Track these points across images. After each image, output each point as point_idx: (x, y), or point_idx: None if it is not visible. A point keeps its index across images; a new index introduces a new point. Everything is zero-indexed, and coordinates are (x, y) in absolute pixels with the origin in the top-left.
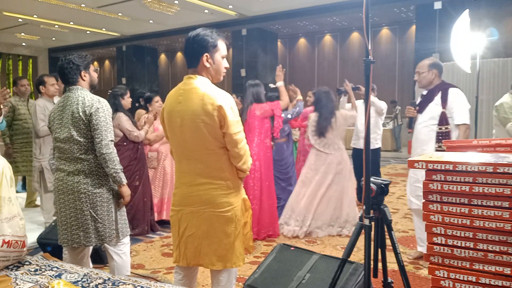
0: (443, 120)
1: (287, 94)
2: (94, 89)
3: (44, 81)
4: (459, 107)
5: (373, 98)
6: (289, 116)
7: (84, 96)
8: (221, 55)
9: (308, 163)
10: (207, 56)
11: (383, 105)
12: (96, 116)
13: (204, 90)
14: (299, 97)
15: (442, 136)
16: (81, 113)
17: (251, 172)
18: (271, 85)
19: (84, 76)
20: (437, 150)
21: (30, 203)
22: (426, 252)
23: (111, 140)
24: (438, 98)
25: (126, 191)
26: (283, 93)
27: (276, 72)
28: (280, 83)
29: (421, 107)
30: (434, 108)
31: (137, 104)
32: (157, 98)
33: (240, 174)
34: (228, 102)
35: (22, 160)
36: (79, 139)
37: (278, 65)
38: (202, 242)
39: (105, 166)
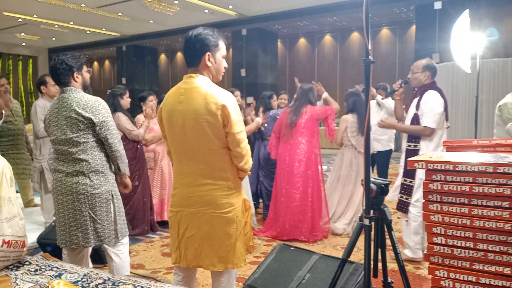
0: (414, 121)
1: (334, 101)
2: (86, 89)
3: (46, 81)
4: (427, 110)
5: (382, 100)
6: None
7: (80, 97)
8: (222, 54)
9: (345, 163)
10: (209, 55)
11: (393, 105)
12: (100, 116)
13: (206, 89)
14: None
15: (413, 137)
16: (80, 114)
17: (297, 169)
18: (323, 96)
19: (77, 77)
20: (406, 149)
21: (29, 203)
22: (426, 252)
23: (118, 137)
24: (416, 100)
25: (129, 182)
26: (331, 100)
27: (315, 88)
28: (324, 95)
29: (406, 108)
30: (411, 110)
31: (141, 104)
32: (152, 98)
33: (241, 174)
34: (231, 102)
35: (9, 163)
36: (78, 140)
37: (313, 82)
38: (203, 244)
39: (118, 161)
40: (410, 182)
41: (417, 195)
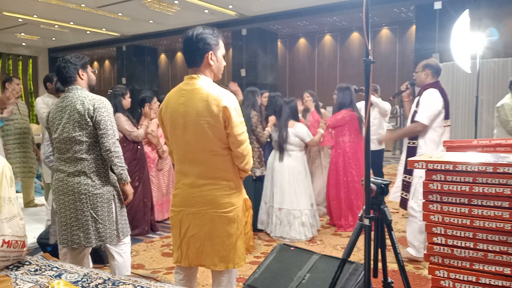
0: (413, 118)
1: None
2: (93, 90)
3: (52, 79)
4: (423, 106)
5: (376, 99)
6: None
7: (84, 96)
8: (222, 53)
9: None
10: (211, 54)
11: (387, 106)
12: (100, 115)
13: (208, 90)
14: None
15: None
16: (83, 113)
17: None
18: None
19: (82, 75)
20: (407, 146)
21: (29, 203)
22: (426, 252)
23: (117, 139)
24: (417, 98)
25: (129, 189)
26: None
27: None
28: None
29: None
30: (413, 108)
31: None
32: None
33: (242, 174)
34: (232, 103)
35: (15, 162)
36: (81, 139)
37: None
38: (205, 243)
39: (112, 164)
40: (409, 179)
41: (418, 194)
